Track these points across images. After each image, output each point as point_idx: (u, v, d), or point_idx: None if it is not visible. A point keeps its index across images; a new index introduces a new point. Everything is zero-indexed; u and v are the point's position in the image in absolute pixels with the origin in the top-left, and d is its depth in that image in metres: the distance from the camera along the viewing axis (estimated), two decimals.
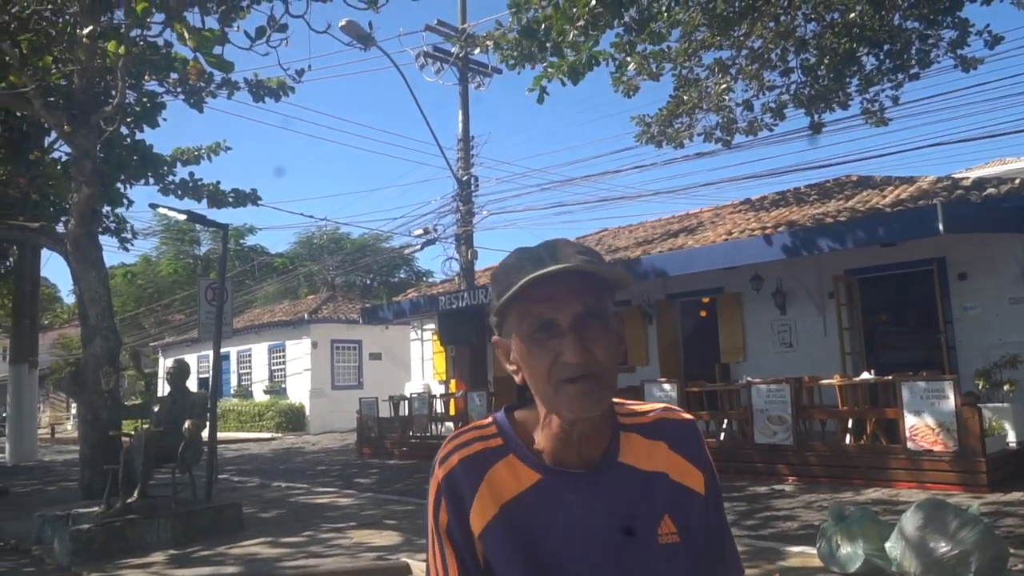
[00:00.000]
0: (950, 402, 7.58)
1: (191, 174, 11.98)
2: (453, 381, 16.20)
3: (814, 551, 4.88)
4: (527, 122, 61.24)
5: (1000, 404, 8.48)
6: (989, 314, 10.16)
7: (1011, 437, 8.29)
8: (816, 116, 10.49)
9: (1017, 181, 10.14)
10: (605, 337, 1.02)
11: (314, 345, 23.34)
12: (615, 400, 1.15)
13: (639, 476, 1.09)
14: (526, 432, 1.11)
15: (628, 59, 9.25)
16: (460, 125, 15.93)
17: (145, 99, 10.95)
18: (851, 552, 4.56)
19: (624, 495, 1.07)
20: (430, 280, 32.35)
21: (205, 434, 7.48)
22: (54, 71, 9.73)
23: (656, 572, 1.04)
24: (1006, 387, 8.60)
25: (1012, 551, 4.65)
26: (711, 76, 10.44)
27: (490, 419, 1.15)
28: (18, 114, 10.30)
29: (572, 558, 1.03)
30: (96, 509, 6.62)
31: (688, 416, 1.18)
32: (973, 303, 10.36)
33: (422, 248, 17.79)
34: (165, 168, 11.84)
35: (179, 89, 10.55)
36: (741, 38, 9.81)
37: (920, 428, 7.73)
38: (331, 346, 23.84)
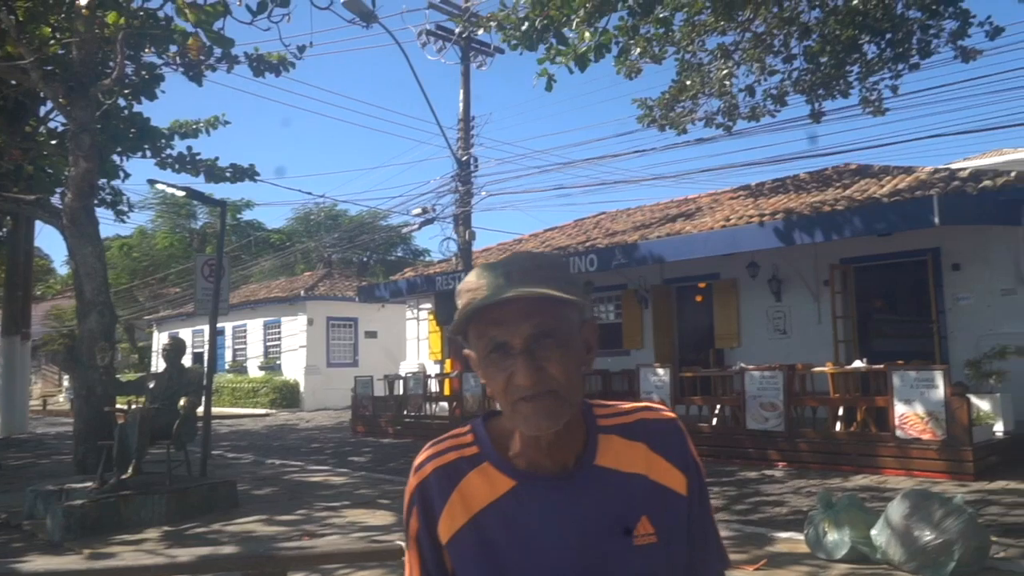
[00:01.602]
0: (939, 391, 7.65)
1: (189, 148, 11.94)
2: (448, 361, 16.25)
3: (801, 537, 4.95)
4: (528, 103, 60.92)
5: (988, 394, 8.56)
6: (981, 305, 10.24)
7: (998, 427, 8.37)
8: (817, 104, 10.48)
9: (1013, 173, 10.16)
10: (560, 354, 1.02)
11: (310, 322, 23.36)
12: (597, 402, 1.16)
13: (616, 478, 1.09)
14: (502, 439, 1.12)
15: (632, 43, 9.22)
16: (461, 105, 15.86)
17: (144, 71, 10.87)
18: (837, 539, 4.63)
19: (599, 498, 1.07)
20: (427, 259, 32.39)
21: (201, 411, 7.51)
22: (52, 41, 9.64)
23: (629, 574, 1.05)
24: (994, 378, 8.68)
25: (995, 539, 4.73)
26: (714, 61, 10.42)
27: (468, 427, 1.16)
28: (13, 83, 10.22)
29: (541, 563, 1.04)
30: (90, 484, 6.65)
31: (670, 415, 1.17)
32: (966, 294, 10.43)
33: (420, 227, 17.75)
34: (163, 141, 11.79)
35: (178, 62, 10.47)
36: (745, 22, 9.78)
37: (909, 417, 7.80)
38: (327, 323, 23.87)
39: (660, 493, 1.10)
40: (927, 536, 4.23)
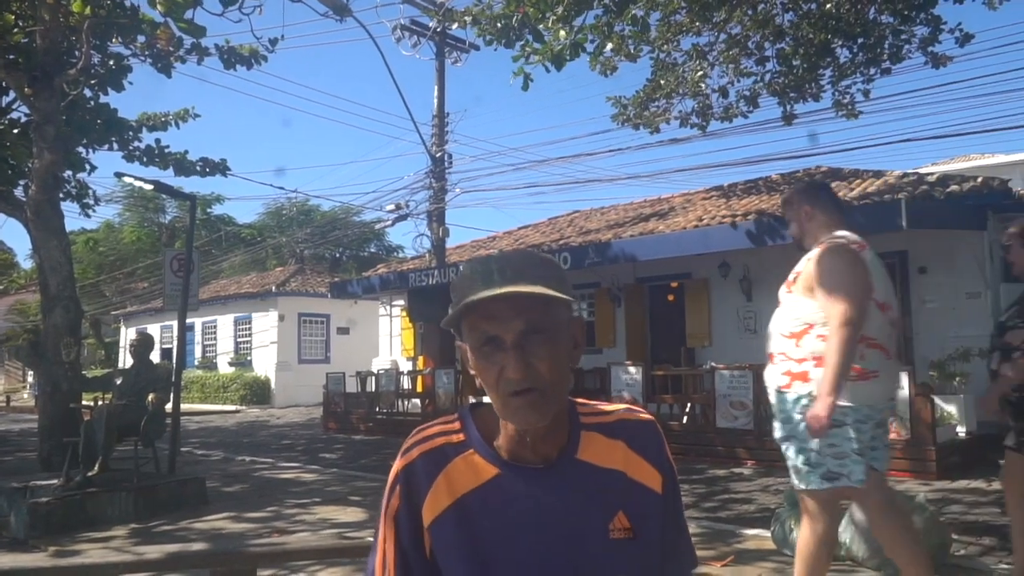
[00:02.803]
0: (904, 392, 7.77)
1: (158, 141, 11.73)
2: (421, 358, 16.21)
3: (768, 534, 5.01)
4: (503, 100, 60.96)
5: (952, 395, 8.73)
6: (946, 308, 10.43)
7: (961, 428, 8.54)
8: (789, 106, 10.60)
9: (979, 179, 10.37)
10: (549, 351, 1.06)
11: (281, 318, 23.16)
12: (580, 400, 1.19)
13: (595, 472, 1.12)
14: (488, 428, 1.14)
15: (607, 41, 9.24)
16: (435, 101, 15.81)
17: (111, 62, 10.67)
18: None
19: (579, 490, 1.10)
20: (401, 256, 32.23)
21: (169, 407, 7.41)
22: (15, 30, 9.45)
23: (604, 566, 1.08)
24: (957, 379, 8.85)
25: (955, 537, 4.82)
26: (688, 61, 10.49)
27: (456, 415, 1.19)
28: None
29: (519, 551, 1.06)
30: (55, 482, 6.53)
31: (648, 417, 1.22)
32: (932, 297, 10.62)
33: (393, 224, 17.71)
34: (130, 133, 11.56)
35: (146, 53, 10.30)
36: (720, 24, 9.86)
37: None
38: (298, 319, 23.68)
39: (637, 490, 1.14)
40: None
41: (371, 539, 1.18)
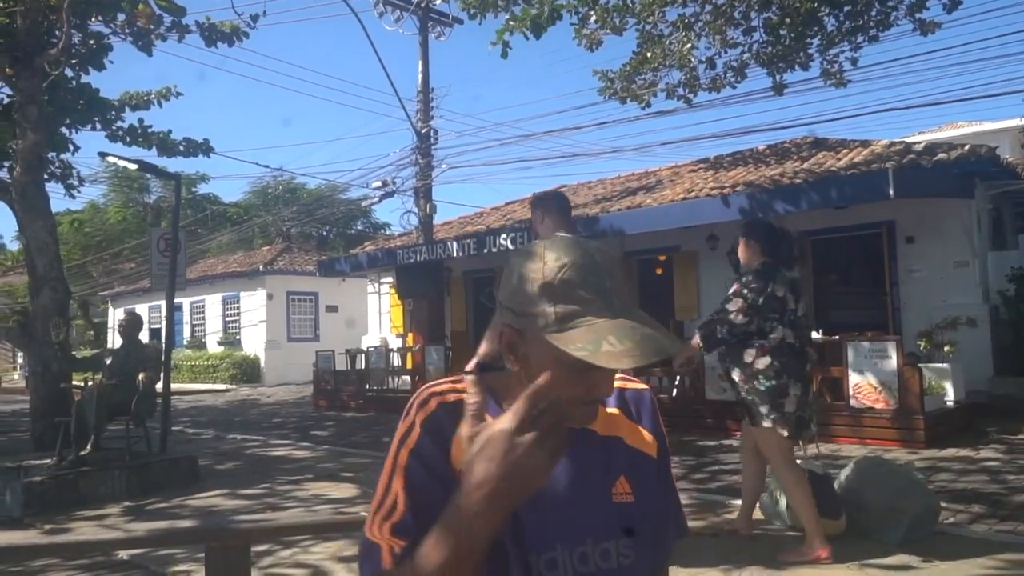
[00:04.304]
0: (892, 362, 7.85)
1: (140, 120, 11.59)
2: (410, 335, 16.22)
3: (758, 505, 5.06)
4: (488, 75, 60.43)
5: (940, 364, 8.81)
6: (934, 277, 10.49)
7: (949, 396, 8.63)
8: (777, 76, 10.55)
9: (967, 147, 10.39)
10: None
11: (269, 297, 23.09)
12: None
13: (596, 439, 1.14)
14: (496, 393, 1.14)
15: (591, 12, 9.16)
16: (420, 76, 15.67)
17: (91, 41, 10.51)
18: (789, 506, 4.74)
19: (583, 456, 1.12)
20: (388, 233, 32.12)
21: (159, 386, 7.41)
22: None
23: (611, 528, 1.10)
24: (946, 348, 8.93)
25: (944, 505, 4.89)
26: (675, 33, 10.41)
27: (463, 376, 1.17)
28: None
29: (530, 510, 1.06)
30: (48, 461, 6.55)
31: (643, 385, 1.24)
32: (919, 266, 10.68)
33: (380, 201, 17.59)
34: (113, 113, 11.42)
35: (127, 31, 10.15)
36: None
37: (863, 387, 8.00)
38: (287, 298, 23.61)
39: (635, 456, 1.17)
40: (879, 502, 4.36)
41: (364, 514, 1.14)
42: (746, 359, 4.19)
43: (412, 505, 1.04)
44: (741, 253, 4.56)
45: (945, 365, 8.79)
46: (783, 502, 4.75)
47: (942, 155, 10.10)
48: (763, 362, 4.14)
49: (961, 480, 6.13)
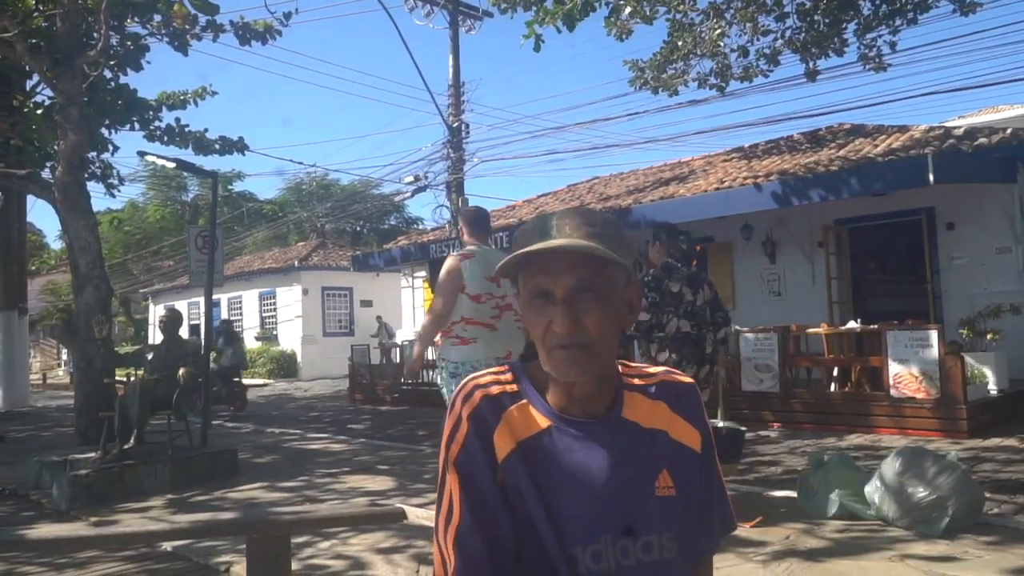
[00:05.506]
0: (934, 351, 7.70)
1: (177, 120, 11.77)
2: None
3: (795, 495, 5.01)
4: (519, 68, 60.32)
5: (983, 352, 8.62)
6: (975, 264, 10.27)
7: (992, 384, 8.45)
8: (811, 62, 10.39)
9: (1008, 131, 10.13)
10: (598, 309, 1.08)
11: (305, 292, 23.35)
12: (623, 362, 1.23)
13: (640, 432, 1.15)
14: (537, 382, 1.17)
15: (623, 2, 9.09)
16: (451, 70, 15.71)
17: (128, 42, 10.71)
18: (829, 497, 4.69)
19: (626, 447, 1.13)
20: (421, 228, 32.28)
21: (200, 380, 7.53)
22: (35, 13, 9.49)
23: (652, 521, 1.10)
24: (989, 336, 8.73)
25: (988, 495, 4.80)
26: (705, 20, 10.29)
27: (507, 367, 1.21)
28: None
29: (575, 501, 1.09)
30: (93, 455, 6.70)
31: (688, 379, 1.25)
32: (960, 253, 10.45)
33: (412, 195, 17.71)
34: (150, 113, 11.62)
35: (163, 32, 10.32)
36: None
37: (904, 376, 7.87)
38: (322, 293, 23.86)
39: (679, 449, 1.18)
40: (921, 492, 4.29)
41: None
42: (652, 352, 4.89)
43: (467, 501, 1.09)
44: (651, 255, 5.10)
45: (988, 353, 8.61)
46: (822, 493, 4.71)
47: (983, 139, 9.87)
48: (663, 356, 4.82)
49: (1005, 470, 6.01)
